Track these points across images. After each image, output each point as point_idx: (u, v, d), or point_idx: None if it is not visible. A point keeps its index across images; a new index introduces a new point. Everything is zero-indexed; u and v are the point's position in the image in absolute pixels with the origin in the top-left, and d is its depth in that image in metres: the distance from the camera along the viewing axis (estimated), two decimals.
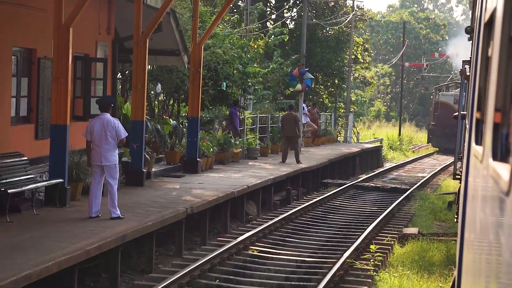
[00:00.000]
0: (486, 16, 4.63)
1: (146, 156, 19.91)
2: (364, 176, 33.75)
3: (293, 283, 13.61)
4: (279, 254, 15.85)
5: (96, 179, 14.43)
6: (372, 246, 16.42)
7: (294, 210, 21.00)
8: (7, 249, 11.34)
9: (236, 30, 36.45)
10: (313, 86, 39.86)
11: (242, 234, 16.93)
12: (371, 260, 15.37)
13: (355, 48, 53.69)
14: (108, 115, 14.48)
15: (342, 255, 15.37)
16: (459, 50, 77.20)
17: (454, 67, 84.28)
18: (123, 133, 14.54)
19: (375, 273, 14.35)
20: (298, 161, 27.83)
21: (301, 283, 13.58)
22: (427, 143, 59.32)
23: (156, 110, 30.23)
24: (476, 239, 4.68)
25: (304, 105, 35.28)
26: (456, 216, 15.94)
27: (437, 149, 57.01)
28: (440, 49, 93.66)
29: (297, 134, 28.49)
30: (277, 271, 14.47)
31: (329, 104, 52.00)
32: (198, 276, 13.31)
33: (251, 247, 16.17)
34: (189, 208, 16.21)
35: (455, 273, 6.88)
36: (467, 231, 6.05)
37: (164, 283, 12.14)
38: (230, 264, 14.71)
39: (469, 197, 5.68)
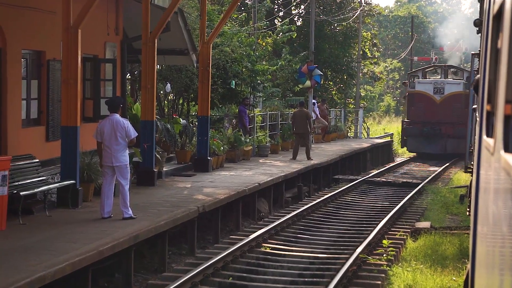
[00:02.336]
0: (494, 9, 4.62)
1: (157, 155, 19.94)
2: (375, 171, 33.71)
3: (306, 279, 13.61)
4: (291, 251, 15.86)
5: (107, 180, 14.46)
6: (384, 241, 16.40)
7: (305, 206, 21.00)
8: (21, 251, 11.38)
9: (244, 28, 36.45)
10: (322, 82, 39.82)
11: (254, 232, 16.94)
12: (384, 255, 15.36)
13: (363, 43, 53.60)
14: (117, 116, 14.51)
15: (355, 250, 15.36)
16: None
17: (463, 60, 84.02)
18: (133, 133, 14.57)
19: (388, 268, 14.33)
20: (309, 158, 27.82)
21: (314, 279, 13.58)
22: (402, 147, 46.11)
23: (166, 110, 30.28)
24: (489, 232, 4.67)
25: (313, 101, 35.27)
26: (468, 209, 15.89)
27: (414, 154, 44.59)
28: (449, 42, 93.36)
29: (308, 130, 28.49)
30: (290, 268, 14.47)
31: (339, 100, 51.94)
32: (211, 275, 13.32)
33: (263, 244, 16.18)
34: (201, 207, 16.22)
35: (469, 266, 6.87)
36: (479, 224, 6.04)
37: (177, 282, 12.16)
38: (243, 261, 14.72)
39: (481, 190, 5.67)
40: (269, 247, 16.00)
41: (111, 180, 14.46)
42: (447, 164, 39.20)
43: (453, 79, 44.15)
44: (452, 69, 46.21)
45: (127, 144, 14.55)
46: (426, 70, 46.83)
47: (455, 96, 42.07)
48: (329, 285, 12.59)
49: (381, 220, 19.14)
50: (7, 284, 9.45)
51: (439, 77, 44.71)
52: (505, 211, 3.48)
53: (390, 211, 20.64)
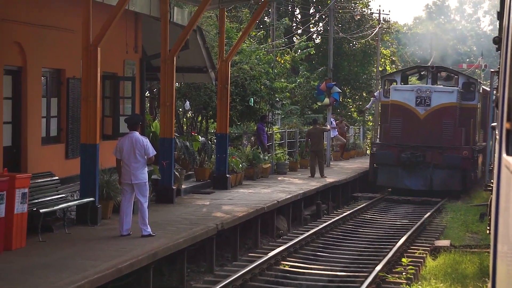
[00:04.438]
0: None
1: (176, 173, 19.97)
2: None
3: None
4: (310, 268, 15.80)
5: (126, 197, 14.50)
6: (404, 259, 16.31)
7: (324, 224, 20.94)
8: (40, 269, 11.42)
9: (262, 45, 36.53)
10: (340, 99, 39.80)
11: (273, 249, 16.91)
12: (403, 273, 15.27)
13: (382, 60, 53.56)
14: (137, 134, 14.56)
15: (374, 268, 15.29)
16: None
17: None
18: (152, 152, 14.60)
19: (407, 286, 14.24)
20: (322, 175, 27.76)
21: None
22: (370, 179, 30.83)
23: (185, 127, 30.35)
24: (509, 251, 4.64)
25: (332, 119, 35.27)
26: (488, 228, 15.79)
27: (388, 190, 30.81)
28: (467, 59, 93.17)
29: (323, 147, 28.72)
30: (308, 286, 14.42)
31: (358, 118, 51.86)
32: None
33: (282, 262, 16.13)
34: (219, 224, 16.21)
35: (489, 285, 6.82)
36: (500, 242, 6.00)
37: None
38: (262, 279, 14.68)
39: (501, 208, 5.64)
40: (288, 265, 15.95)
41: (130, 198, 14.49)
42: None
43: (444, 85, 31.36)
44: (442, 72, 33.17)
45: (146, 161, 14.58)
46: (407, 72, 34.45)
47: (446, 109, 29.28)
48: None
49: (401, 238, 19.05)
50: None
51: (425, 83, 32.28)
52: None
53: (410, 229, 20.55)
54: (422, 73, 33.61)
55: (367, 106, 41.77)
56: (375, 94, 36.39)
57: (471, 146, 29.95)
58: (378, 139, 33.33)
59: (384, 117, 31.37)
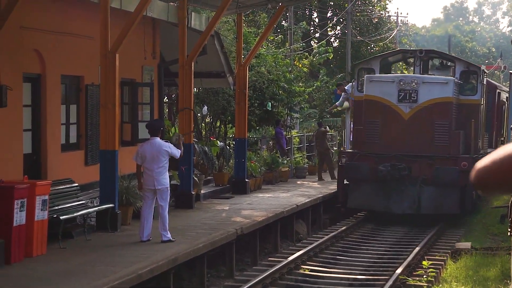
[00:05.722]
0: None
1: (195, 178, 20.01)
2: None
3: None
4: (330, 272, 15.77)
5: (147, 203, 14.54)
6: (424, 262, 16.22)
7: (344, 227, 20.88)
8: (61, 275, 11.47)
9: (280, 50, 36.55)
10: None
11: (292, 254, 16.88)
12: (424, 276, 15.21)
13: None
14: (158, 139, 14.61)
15: (395, 271, 15.23)
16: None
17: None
18: (177, 152, 14.71)
19: None
20: (332, 177, 27.42)
21: None
22: (339, 200, 23.46)
23: (203, 132, 30.38)
24: None
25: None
26: (509, 230, 15.70)
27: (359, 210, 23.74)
28: (486, 61, 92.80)
29: (327, 149, 28.63)
30: None
31: None
32: None
33: (302, 266, 16.11)
34: (239, 229, 16.22)
35: (511, 287, 6.79)
36: None
37: None
38: (282, 284, 14.66)
39: None
40: (308, 269, 15.93)
41: (151, 204, 14.54)
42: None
43: (436, 75, 23.86)
44: (434, 58, 25.69)
45: (167, 167, 14.63)
46: (389, 58, 26.19)
47: (439, 106, 22.11)
48: None
49: (421, 241, 18.96)
50: None
51: (412, 71, 25.05)
52: None
53: (430, 232, 20.43)
54: (408, 60, 26.48)
55: (336, 103, 30.23)
56: (346, 87, 27.20)
57: (471, 155, 22.17)
58: (351, 146, 24.29)
59: (358, 118, 23.38)
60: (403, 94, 22.16)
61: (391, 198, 21.75)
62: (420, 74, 23.68)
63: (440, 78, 22.78)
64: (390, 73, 25.30)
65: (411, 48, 33.32)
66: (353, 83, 24.67)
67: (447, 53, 29.68)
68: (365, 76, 23.15)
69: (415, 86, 22.11)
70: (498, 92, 28.52)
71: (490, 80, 27.77)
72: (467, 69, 23.85)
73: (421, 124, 22.04)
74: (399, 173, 21.57)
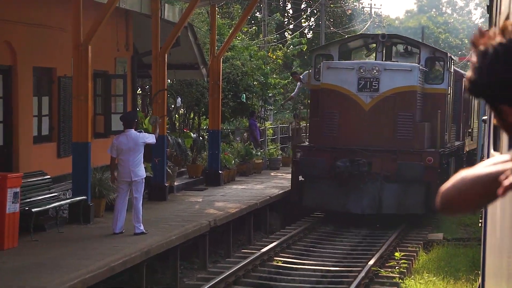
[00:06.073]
0: (500, 21, 4.64)
1: (168, 170, 19.97)
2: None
3: None
4: (303, 264, 15.83)
5: (122, 195, 14.51)
6: (397, 254, 16.35)
7: (317, 219, 20.93)
8: (33, 268, 11.42)
9: (254, 41, 36.53)
10: None
11: (266, 245, 16.93)
12: (396, 267, 15.31)
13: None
14: (133, 131, 14.57)
15: (367, 263, 15.33)
16: None
17: None
18: (152, 137, 14.72)
19: (400, 280, 14.29)
20: None
21: None
22: (291, 199, 21.59)
23: (177, 124, 30.33)
24: (496, 243, 4.67)
25: None
26: (480, 221, 15.85)
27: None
28: (459, 52, 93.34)
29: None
30: (302, 282, 14.45)
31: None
32: None
33: (275, 258, 16.16)
34: (212, 221, 16.24)
35: (480, 278, 6.87)
36: (488, 235, 6.04)
37: None
38: (255, 276, 14.71)
39: None
40: (281, 260, 15.98)
41: (125, 196, 14.51)
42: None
43: (400, 62, 22.20)
44: (398, 44, 24.01)
45: (143, 158, 14.62)
46: (349, 44, 24.04)
47: (402, 96, 20.38)
48: None
49: (394, 233, 19.05)
50: None
51: (373, 58, 23.58)
52: (510, 223, 3.49)
53: (403, 223, 20.49)
54: (370, 46, 24.45)
55: (292, 94, 28.58)
56: (302, 76, 24.64)
57: (438, 150, 20.71)
58: (307, 140, 22.89)
59: (314, 109, 21.88)
60: (363, 82, 20.31)
61: (350, 197, 19.95)
62: (383, 60, 21.99)
63: (404, 65, 21.05)
64: (352, 60, 23.07)
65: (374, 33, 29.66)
66: (310, 71, 22.85)
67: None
68: (322, 63, 21.14)
69: (376, 73, 20.30)
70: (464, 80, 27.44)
71: (456, 68, 26.11)
72: (433, 55, 22.12)
73: (383, 116, 20.29)
74: (358, 169, 19.79)
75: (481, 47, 2.26)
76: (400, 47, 23.83)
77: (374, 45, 23.17)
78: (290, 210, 21.79)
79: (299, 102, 38.30)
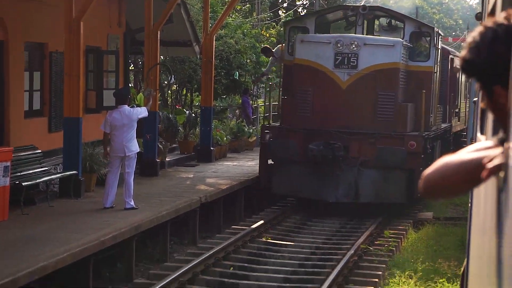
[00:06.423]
0: (489, 7, 4.67)
1: (159, 146, 20.01)
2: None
3: (307, 269, 13.68)
4: (293, 241, 15.91)
5: (114, 170, 14.55)
6: (386, 232, 16.44)
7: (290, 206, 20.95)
8: (23, 242, 11.47)
9: (248, 19, 36.47)
10: None
11: (255, 222, 17.00)
12: (385, 245, 15.40)
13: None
14: (126, 107, 14.60)
15: (357, 241, 15.42)
16: None
17: None
18: (144, 111, 14.78)
19: (389, 258, 14.40)
20: None
21: (315, 269, 13.64)
22: (261, 184, 19.51)
23: (170, 101, 30.34)
24: (479, 224, 4.73)
25: None
26: (470, 201, 15.90)
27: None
28: (453, 33, 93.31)
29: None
30: (291, 258, 14.54)
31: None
32: (212, 265, 13.40)
33: (265, 234, 16.24)
34: (203, 197, 16.30)
35: (466, 258, 6.94)
36: (474, 215, 6.10)
37: (178, 272, 12.25)
38: (245, 252, 14.79)
39: None
40: (270, 237, 16.06)
41: (117, 171, 14.57)
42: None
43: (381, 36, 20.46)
44: (381, 17, 23.07)
45: (135, 134, 14.67)
46: (328, 16, 22.15)
47: (383, 73, 18.54)
48: (330, 276, 12.65)
49: (372, 223, 18.62)
50: (9, 273, 9.55)
51: (353, 32, 20.64)
52: (491, 203, 3.54)
53: (382, 214, 19.89)
54: (350, 19, 21.90)
55: (264, 70, 26.67)
56: (274, 50, 22.41)
57: (422, 133, 18.75)
58: (281, 121, 20.06)
59: (286, 86, 19.94)
60: (340, 58, 18.35)
61: (324, 184, 18.02)
62: (364, 35, 19.91)
63: (386, 40, 19.08)
64: (331, 34, 20.61)
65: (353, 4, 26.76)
66: (283, 44, 20.92)
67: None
68: (296, 37, 19.10)
69: (355, 48, 18.35)
70: (451, 58, 24.18)
71: (443, 45, 23.68)
72: (418, 30, 19.97)
73: (362, 95, 18.33)
74: (334, 153, 17.79)
75: (480, 28, 2.30)
76: (384, 21, 22.22)
77: (355, 18, 20.79)
78: (260, 197, 19.94)
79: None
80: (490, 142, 2.35)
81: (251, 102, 29.08)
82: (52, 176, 15.07)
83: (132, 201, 14.46)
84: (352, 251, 14.35)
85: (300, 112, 18.53)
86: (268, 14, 39.95)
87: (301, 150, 18.04)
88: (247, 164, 22.62)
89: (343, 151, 17.86)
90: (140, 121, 15.66)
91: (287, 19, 26.36)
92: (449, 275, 13.12)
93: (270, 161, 19.26)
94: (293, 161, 18.28)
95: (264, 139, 19.12)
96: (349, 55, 18.34)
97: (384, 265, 13.95)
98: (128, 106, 14.84)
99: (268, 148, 18.80)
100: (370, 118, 18.34)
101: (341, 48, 18.34)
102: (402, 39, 19.30)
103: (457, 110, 26.44)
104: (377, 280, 12.96)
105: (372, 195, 18.32)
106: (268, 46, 24.45)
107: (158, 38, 19.33)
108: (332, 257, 14.53)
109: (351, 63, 18.35)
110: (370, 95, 18.36)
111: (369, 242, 15.69)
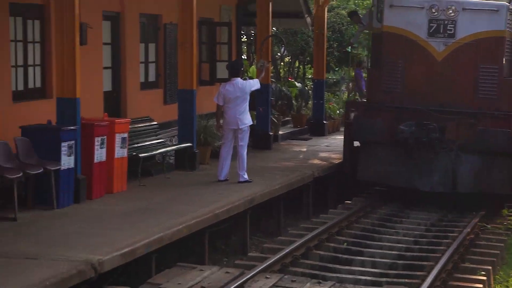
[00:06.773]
0: None
1: (273, 119, 19.96)
2: None
3: (422, 247, 13.36)
4: (408, 216, 15.58)
5: (227, 143, 14.56)
6: (504, 210, 15.83)
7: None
8: (141, 211, 11.62)
9: None
10: None
11: (369, 197, 16.74)
12: (505, 223, 14.84)
13: None
14: (239, 79, 14.56)
15: (472, 220, 14.96)
16: None
17: None
18: (257, 83, 14.73)
19: (507, 237, 13.94)
20: None
21: (430, 247, 13.31)
22: (344, 169, 17.38)
23: (282, 73, 30.25)
24: None
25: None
26: None
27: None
28: None
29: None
30: (405, 235, 14.23)
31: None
32: (326, 240, 13.25)
33: (381, 207, 15.94)
34: (316, 171, 16.15)
35: None
36: None
37: (292, 246, 12.13)
38: (358, 227, 14.55)
39: None
40: (385, 212, 15.78)
41: (231, 144, 14.57)
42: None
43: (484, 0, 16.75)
44: None
45: (248, 107, 14.61)
46: None
47: (485, 43, 16.07)
48: (445, 253, 12.32)
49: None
50: (127, 244, 9.66)
51: None
52: None
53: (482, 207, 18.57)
54: None
55: (351, 40, 25.11)
56: (362, 17, 21.04)
57: None
58: (366, 95, 18.57)
59: (374, 57, 17.68)
60: (435, 25, 16.09)
61: (416, 170, 16.06)
62: None
63: (489, 4, 16.30)
64: None
65: None
66: (372, 9, 18.25)
67: None
68: (385, 1, 16.54)
69: (453, 14, 16.03)
70: None
71: None
72: None
73: (460, 68, 16.10)
74: (428, 135, 15.74)
75: None
76: None
77: None
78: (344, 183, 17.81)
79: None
80: None
81: (364, 75, 28.64)
82: (168, 148, 15.21)
83: (246, 174, 14.44)
84: (468, 229, 13.96)
85: (388, 86, 16.44)
86: None
87: (389, 131, 15.99)
88: None
89: (438, 133, 15.80)
90: (252, 93, 15.58)
91: None
92: None
93: (356, 143, 17.33)
94: (380, 143, 16.21)
95: (348, 118, 17.41)
96: (446, 22, 16.09)
97: (502, 244, 13.51)
98: (241, 78, 14.79)
99: (352, 130, 16.78)
100: (470, 95, 16.10)
101: (436, 13, 16.09)
102: (509, 2, 16.52)
103: None
104: (494, 259, 12.56)
105: (472, 185, 16.03)
106: (356, 11, 22.53)
107: (270, 9, 19.21)
108: (448, 234, 14.17)
109: (448, 31, 16.11)
110: (469, 69, 16.09)
111: (487, 220, 15.23)
